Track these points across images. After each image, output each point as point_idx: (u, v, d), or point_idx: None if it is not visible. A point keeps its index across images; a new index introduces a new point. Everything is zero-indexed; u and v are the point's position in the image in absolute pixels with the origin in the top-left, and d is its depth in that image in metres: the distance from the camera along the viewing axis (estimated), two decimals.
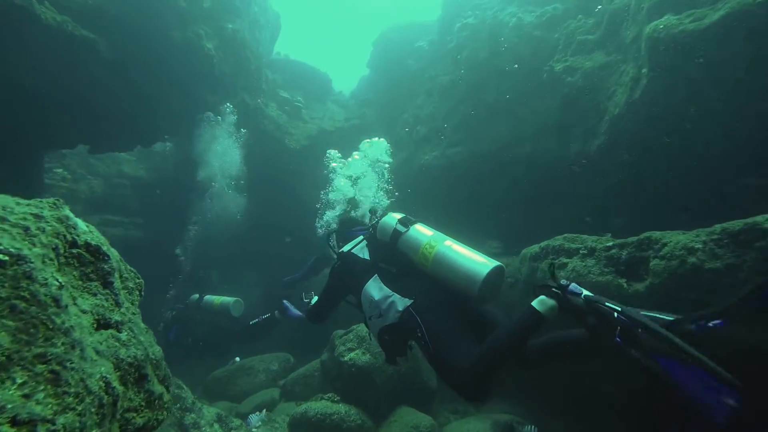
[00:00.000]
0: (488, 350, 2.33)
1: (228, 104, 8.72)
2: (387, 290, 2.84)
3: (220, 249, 12.80)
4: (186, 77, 7.45)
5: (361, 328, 6.02)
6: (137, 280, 1.90)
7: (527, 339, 2.34)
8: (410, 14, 14.70)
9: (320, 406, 5.26)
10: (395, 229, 3.04)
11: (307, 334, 8.54)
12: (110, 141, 7.73)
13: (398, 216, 3.16)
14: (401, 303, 2.72)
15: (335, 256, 3.50)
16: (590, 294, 2.24)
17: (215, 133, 9.29)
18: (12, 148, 6.65)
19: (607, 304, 2.15)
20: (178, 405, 4.87)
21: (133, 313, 1.71)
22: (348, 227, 3.88)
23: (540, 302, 2.31)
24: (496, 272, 2.59)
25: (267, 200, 12.01)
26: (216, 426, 5.25)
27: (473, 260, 2.65)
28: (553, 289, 2.32)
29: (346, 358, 5.72)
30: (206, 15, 7.68)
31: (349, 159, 6.81)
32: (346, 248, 3.36)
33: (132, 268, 1.97)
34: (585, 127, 7.20)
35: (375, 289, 2.91)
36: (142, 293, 1.95)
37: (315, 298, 3.71)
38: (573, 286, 2.30)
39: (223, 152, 10.03)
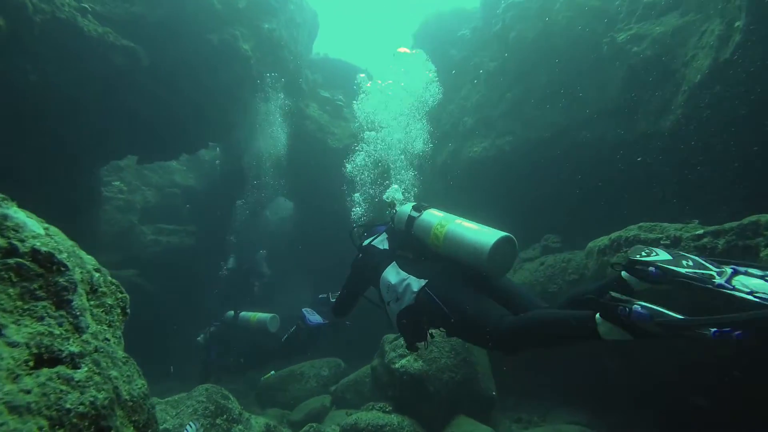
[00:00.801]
0: (528, 327, 2.28)
1: (269, 106, 8.60)
2: (403, 274, 2.89)
3: (271, 255, 12.90)
4: (225, 81, 7.38)
5: None
6: (120, 295, 1.58)
7: (569, 343, 2.23)
8: (451, 2, 14.12)
9: (371, 417, 4.90)
10: (409, 216, 3.12)
11: (358, 337, 8.26)
12: (156, 150, 7.80)
13: (413, 204, 3.24)
14: (417, 284, 2.76)
15: (357, 250, 3.55)
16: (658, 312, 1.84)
17: (258, 135, 9.23)
18: (68, 161, 6.79)
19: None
20: (225, 416, 4.67)
21: (106, 339, 1.33)
22: (372, 224, 3.92)
23: (604, 325, 1.97)
24: (503, 242, 2.55)
25: (311, 203, 11.90)
26: None
27: (480, 233, 2.66)
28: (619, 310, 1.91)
29: (397, 365, 5.33)
30: (242, 16, 7.57)
31: None
32: (366, 242, 3.46)
33: (114, 280, 1.66)
34: (655, 102, 6.41)
35: (392, 274, 2.96)
36: (128, 311, 1.63)
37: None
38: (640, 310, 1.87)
39: (267, 155, 9.98)
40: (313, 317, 6.92)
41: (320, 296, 4.26)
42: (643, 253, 2.17)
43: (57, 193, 7.08)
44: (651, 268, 2.06)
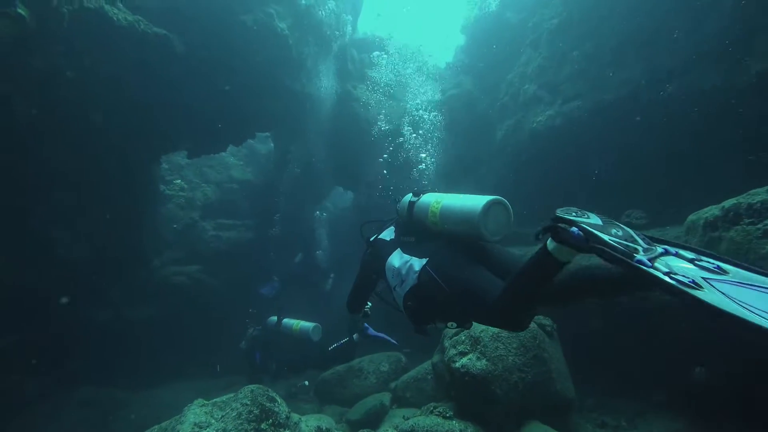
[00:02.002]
0: (507, 289, 2.30)
1: (312, 89, 8.17)
2: (406, 256, 2.99)
3: (333, 248, 12.73)
4: (264, 65, 7.04)
5: (474, 326, 4.98)
6: None
7: (545, 280, 2.18)
8: None
9: (429, 423, 4.35)
10: (410, 202, 3.22)
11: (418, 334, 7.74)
12: (202, 143, 7.68)
13: (413, 191, 3.34)
14: (418, 264, 2.84)
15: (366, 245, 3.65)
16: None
17: (306, 121, 8.87)
18: (119, 160, 6.82)
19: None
20: (270, 420, 4.34)
21: None
22: (381, 220, 3.92)
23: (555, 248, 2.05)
24: (493, 204, 2.62)
25: (365, 190, 11.46)
26: None
27: (471, 199, 2.74)
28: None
29: (457, 365, 4.73)
30: None
31: None
32: (373, 237, 3.58)
33: None
34: None
35: (396, 258, 3.07)
36: None
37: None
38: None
39: (316, 141, 9.64)
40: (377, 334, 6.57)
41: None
42: (574, 214, 2.10)
43: (115, 194, 7.20)
44: (574, 229, 2.00)
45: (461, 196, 2.88)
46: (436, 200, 2.98)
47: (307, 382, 7.57)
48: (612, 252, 1.85)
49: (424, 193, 3.24)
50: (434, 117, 10.82)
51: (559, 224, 2.05)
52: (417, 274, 2.79)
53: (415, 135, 10.31)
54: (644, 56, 6.83)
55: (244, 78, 6.93)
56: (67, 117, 5.49)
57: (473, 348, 4.78)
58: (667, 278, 1.70)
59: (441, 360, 5.47)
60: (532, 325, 4.93)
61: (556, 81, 8.42)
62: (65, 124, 5.55)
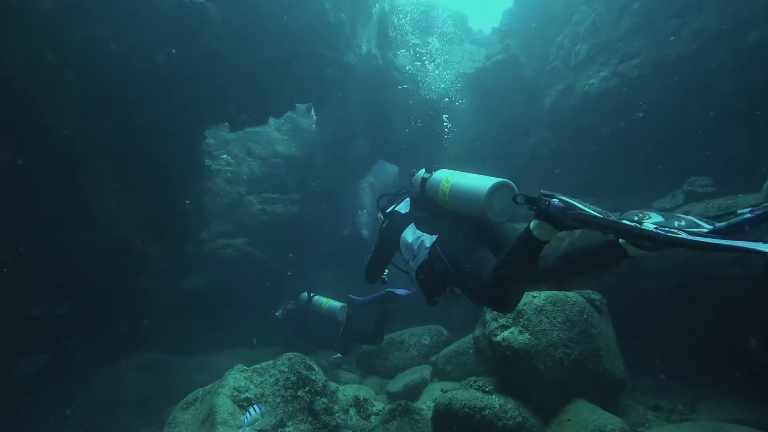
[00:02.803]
0: (494, 271, 2.36)
1: (351, 57, 7.93)
2: (418, 232, 3.14)
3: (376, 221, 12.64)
4: (300, 32, 6.87)
5: None
6: None
7: (528, 261, 2.26)
8: None
9: (468, 396, 4.21)
10: (422, 178, 3.30)
11: (461, 305, 7.60)
12: (243, 116, 7.71)
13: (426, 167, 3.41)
14: (429, 240, 2.99)
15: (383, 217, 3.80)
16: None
17: (346, 92, 8.68)
18: (163, 134, 6.98)
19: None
20: (307, 388, 4.37)
21: None
22: (398, 193, 4.03)
23: (536, 226, 2.16)
24: (500, 186, 2.67)
25: (409, 162, 11.21)
26: (352, 411, 4.66)
27: (479, 180, 2.80)
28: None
29: (498, 338, 4.52)
30: None
31: None
32: (390, 208, 3.73)
33: None
34: None
35: (410, 233, 3.22)
36: None
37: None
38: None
39: (357, 112, 9.43)
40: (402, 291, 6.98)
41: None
42: (576, 202, 2.10)
43: (161, 168, 7.42)
44: (554, 200, 2.04)
45: (471, 176, 2.96)
46: (446, 179, 3.04)
47: (339, 355, 7.63)
48: (593, 217, 1.92)
49: (436, 169, 3.30)
50: (479, 84, 10.33)
51: (543, 197, 2.14)
52: (428, 251, 2.96)
53: (459, 103, 9.91)
54: (717, 3, 6.09)
55: (281, 47, 6.82)
56: (111, 89, 5.63)
57: (515, 321, 4.55)
58: (654, 227, 1.80)
59: (482, 333, 5.28)
60: (580, 298, 4.63)
61: (611, 39, 7.74)
62: (109, 96, 5.70)
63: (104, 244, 6.98)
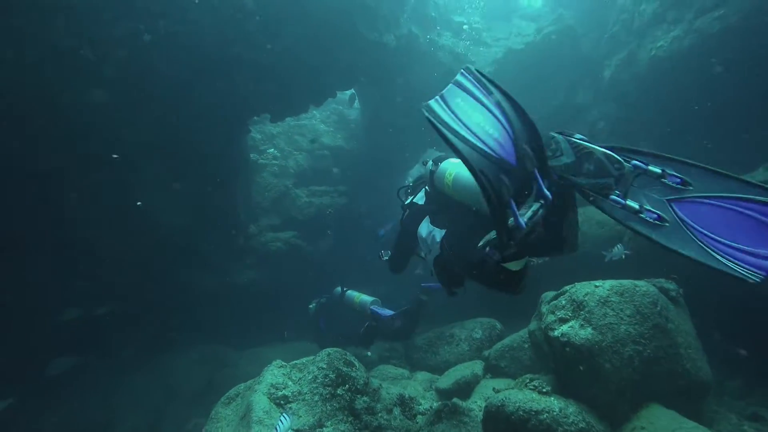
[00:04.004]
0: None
1: (391, 38, 7.52)
2: (431, 227, 3.21)
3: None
4: (337, 13, 6.56)
5: (576, 290, 4.24)
6: None
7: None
8: None
9: (523, 398, 3.78)
10: (431, 171, 3.21)
11: (515, 299, 7.09)
12: (283, 105, 7.59)
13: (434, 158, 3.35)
14: (439, 234, 3.09)
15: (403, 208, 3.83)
16: None
17: (387, 77, 8.31)
18: (206, 129, 6.98)
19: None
20: (347, 386, 4.12)
21: None
22: (417, 183, 3.99)
23: None
24: None
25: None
26: (396, 411, 4.36)
27: None
28: None
29: (556, 333, 4.05)
30: None
31: None
32: (408, 200, 3.77)
33: None
34: None
35: (424, 228, 3.29)
36: None
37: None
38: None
39: (401, 96, 9.01)
40: (383, 311, 7.00)
41: (382, 258, 4.34)
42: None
43: (207, 163, 7.47)
44: (487, 248, 2.32)
45: None
46: (448, 171, 2.99)
47: (369, 353, 7.39)
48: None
49: (441, 159, 3.22)
50: (530, 60, 9.60)
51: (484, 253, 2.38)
52: (438, 245, 3.00)
53: (509, 81, 9.26)
54: None
55: (317, 30, 6.57)
56: (153, 83, 5.65)
57: (575, 314, 4.05)
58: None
59: (538, 327, 4.81)
60: (651, 288, 4.05)
61: None
62: (152, 90, 5.72)
63: (156, 240, 7.14)
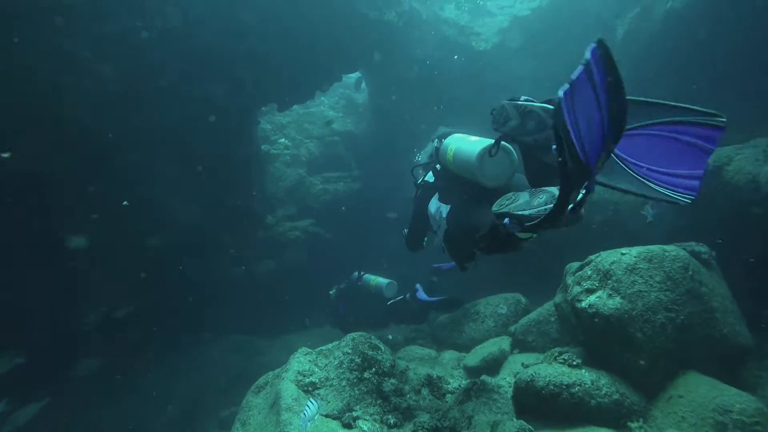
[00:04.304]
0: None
1: (392, 16, 7.34)
2: (438, 203, 3.29)
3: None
4: None
5: (602, 259, 4.11)
6: None
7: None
8: None
9: (553, 372, 3.71)
10: (435, 147, 3.38)
11: (537, 265, 7.00)
12: (288, 93, 7.50)
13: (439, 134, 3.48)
14: (445, 210, 3.17)
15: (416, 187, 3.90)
16: None
17: (390, 57, 8.14)
18: (222, 116, 6.95)
19: None
20: (374, 369, 4.11)
21: None
22: (429, 161, 3.99)
23: None
24: (489, 151, 2.73)
25: (469, 125, 10.49)
26: (425, 391, 4.34)
27: (474, 143, 2.86)
28: None
29: (583, 304, 3.94)
30: None
31: None
32: (421, 179, 3.80)
33: None
34: None
35: (433, 204, 3.36)
36: None
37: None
38: None
39: (406, 76, 8.83)
40: (422, 294, 6.97)
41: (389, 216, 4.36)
42: (507, 202, 2.40)
43: (218, 156, 7.47)
44: (506, 220, 2.34)
45: (469, 140, 2.90)
46: (451, 146, 3.01)
47: (390, 336, 7.38)
48: (538, 223, 2.05)
49: (446, 135, 3.26)
50: (537, 26, 9.25)
51: (498, 223, 2.38)
52: (445, 221, 3.06)
53: (514, 49, 8.96)
54: None
55: (317, 13, 6.43)
56: (154, 78, 5.62)
57: (602, 284, 3.93)
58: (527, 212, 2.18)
59: (564, 299, 4.70)
60: (681, 252, 3.89)
61: None
62: (152, 87, 5.70)
63: (176, 235, 7.21)
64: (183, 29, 5.56)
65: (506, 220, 2.32)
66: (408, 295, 7.20)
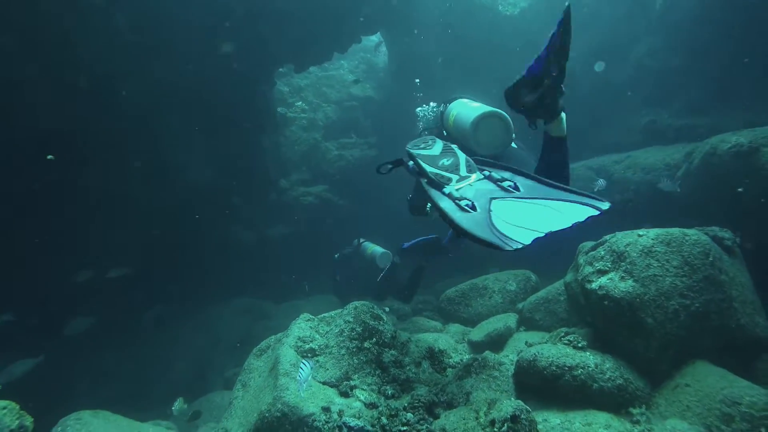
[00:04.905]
0: None
1: None
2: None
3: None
4: None
5: (617, 239, 3.93)
6: None
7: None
8: None
9: (557, 353, 3.61)
10: (440, 112, 3.45)
11: (550, 244, 6.78)
12: (305, 54, 7.28)
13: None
14: None
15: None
16: None
17: (411, 18, 7.79)
18: (238, 79, 6.81)
19: None
20: (374, 339, 4.08)
21: None
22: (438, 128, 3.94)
23: None
24: (487, 116, 2.76)
25: (492, 94, 10.11)
26: (425, 364, 4.31)
27: (472, 109, 2.90)
28: None
29: (593, 285, 3.79)
30: None
31: None
32: None
33: None
34: None
35: None
36: None
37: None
38: None
39: (429, 40, 8.47)
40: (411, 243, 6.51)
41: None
42: (422, 145, 2.58)
43: (233, 118, 7.37)
44: (410, 162, 2.51)
45: (469, 106, 2.93)
46: (453, 111, 3.04)
47: (387, 309, 7.32)
48: (429, 181, 2.32)
49: (450, 101, 3.28)
50: None
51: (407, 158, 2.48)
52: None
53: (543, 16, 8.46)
54: None
55: None
56: (171, 34, 5.47)
57: (615, 265, 3.77)
58: (442, 203, 2.27)
59: (574, 279, 4.55)
60: (703, 237, 3.68)
61: None
62: (165, 41, 5.56)
63: (189, 195, 7.22)
64: None
65: (410, 162, 2.47)
66: (397, 258, 7.09)
